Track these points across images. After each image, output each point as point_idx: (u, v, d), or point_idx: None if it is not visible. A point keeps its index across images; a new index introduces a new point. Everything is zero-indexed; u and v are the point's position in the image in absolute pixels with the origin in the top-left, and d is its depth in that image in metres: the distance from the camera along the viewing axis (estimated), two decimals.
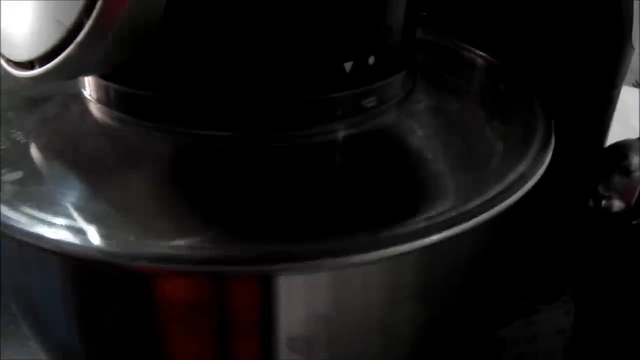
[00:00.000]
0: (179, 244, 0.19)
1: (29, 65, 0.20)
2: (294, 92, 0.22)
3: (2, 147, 0.23)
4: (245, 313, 0.21)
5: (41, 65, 0.20)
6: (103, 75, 0.23)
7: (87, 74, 0.23)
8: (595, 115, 0.34)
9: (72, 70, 0.20)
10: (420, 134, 0.25)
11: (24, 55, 0.20)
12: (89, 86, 0.24)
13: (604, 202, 0.33)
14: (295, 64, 0.22)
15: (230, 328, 0.21)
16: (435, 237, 0.20)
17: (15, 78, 0.21)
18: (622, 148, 0.33)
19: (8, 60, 0.22)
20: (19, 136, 0.23)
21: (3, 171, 0.21)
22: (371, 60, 0.23)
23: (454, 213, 0.21)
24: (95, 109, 0.24)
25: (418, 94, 0.26)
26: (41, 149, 0.23)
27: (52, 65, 0.19)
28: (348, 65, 0.22)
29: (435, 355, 0.27)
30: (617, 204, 0.33)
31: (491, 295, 0.32)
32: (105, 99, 0.23)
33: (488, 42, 0.31)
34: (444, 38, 0.31)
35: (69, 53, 0.18)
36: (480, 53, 0.30)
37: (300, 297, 0.21)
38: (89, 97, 0.24)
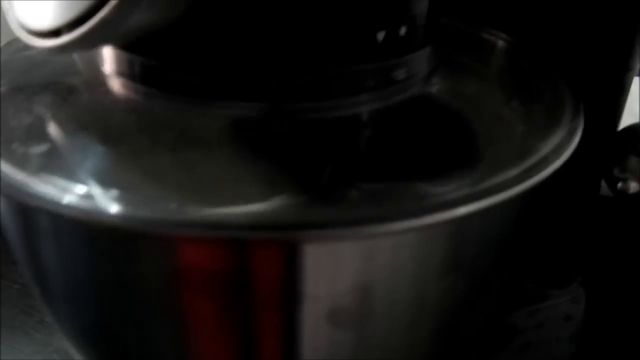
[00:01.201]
0: (209, 212, 0.19)
1: (54, 34, 0.20)
2: (326, 64, 0.22)
3: (26, 121, 0.22)
4: (273, 282, 0.20)
5: (69, 31, 0.19)
6: (126, 47, 0.22)
7: (114, 42, 0.22)
8: (610, 98, 0.34)
9: (102, 37, 0.19)
10: (449, 107, 0.24)
11: (50, 23, 0.20)
12: (109, 59, 0.24)
13: (619, 185, 0.33)
14: (328, 35, 0.21)
15: (257, 297, 0.21)
16: (466, 209, 0.20)
17: (38, 50, 0.21)
18: (637, 130, 0.34)
19: (30, 31, 0.21)
20: (41, 111, 0.23)
21: (29, 144, 0.21)
22: (402, 31, 0.22)
23: (488, 184, 0.20)
24: (116, 83, 0.24)
25: (443, 71, 0.26)
26: (64, 122, 0.22)
27: (82, 31, 0.18)
28: (380, 36, 0.22)
29: (456, 339, 0.27)
30: (633, 186, 0.33)
31: (509, 279, 0.32)
32: (128, 72, 0.23)
33: (502, 26, 0.31)
34: (461, 21, 0.31)
35: (104, 16, 0.17)
36: (502, 35, 0.30)
37: (329, 268, 0.20)
38: (109, 71, 0.24)
